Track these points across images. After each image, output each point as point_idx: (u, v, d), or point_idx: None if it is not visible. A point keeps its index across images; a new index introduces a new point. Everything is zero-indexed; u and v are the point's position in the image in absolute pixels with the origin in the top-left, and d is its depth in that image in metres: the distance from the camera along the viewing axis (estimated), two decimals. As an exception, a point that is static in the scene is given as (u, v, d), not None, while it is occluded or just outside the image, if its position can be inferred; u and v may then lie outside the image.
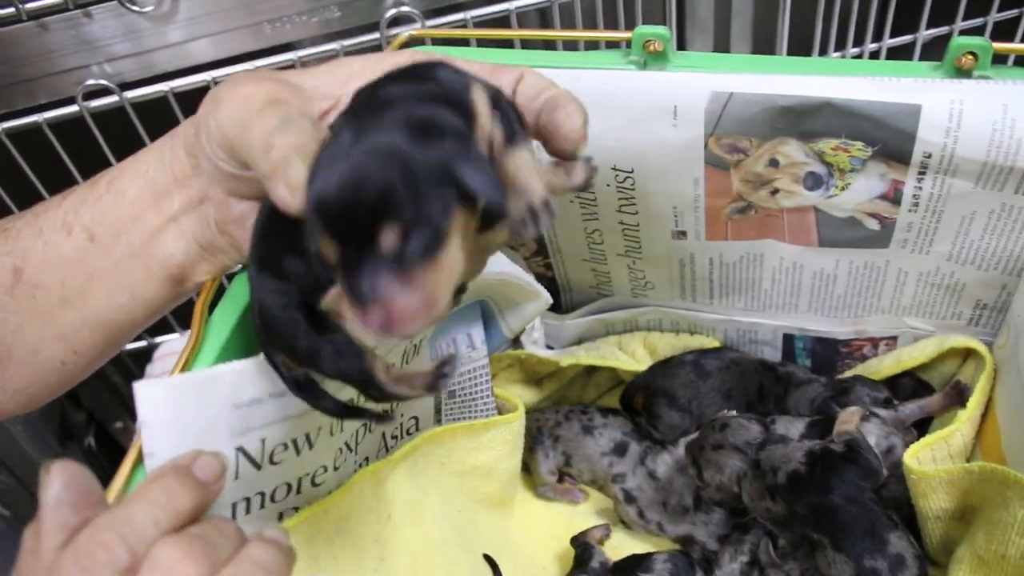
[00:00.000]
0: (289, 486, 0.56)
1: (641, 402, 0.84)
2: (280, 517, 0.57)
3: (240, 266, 0.55)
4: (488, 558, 0.75)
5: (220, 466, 0.44)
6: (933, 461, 0.67)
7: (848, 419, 0.72)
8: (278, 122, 0.41)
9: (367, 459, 0.65)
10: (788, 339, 0.85)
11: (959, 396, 0.72)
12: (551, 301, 0.79)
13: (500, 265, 0.71)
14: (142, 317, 0.55)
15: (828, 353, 0.84)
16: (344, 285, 0.35)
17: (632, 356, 0.87)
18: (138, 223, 0.51)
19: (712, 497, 0.73)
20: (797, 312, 0.82)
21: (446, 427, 0.70)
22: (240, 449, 0.51)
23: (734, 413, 0.79)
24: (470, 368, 0.74)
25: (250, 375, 0.50)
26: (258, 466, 0.52)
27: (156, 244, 0.51)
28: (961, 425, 0.68)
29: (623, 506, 0.81)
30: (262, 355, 0.50)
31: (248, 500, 0.53)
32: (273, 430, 0.52)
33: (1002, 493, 0.59)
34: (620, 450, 0.82)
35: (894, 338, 0.81)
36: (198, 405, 0.48)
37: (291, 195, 0.39)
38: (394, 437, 0.69)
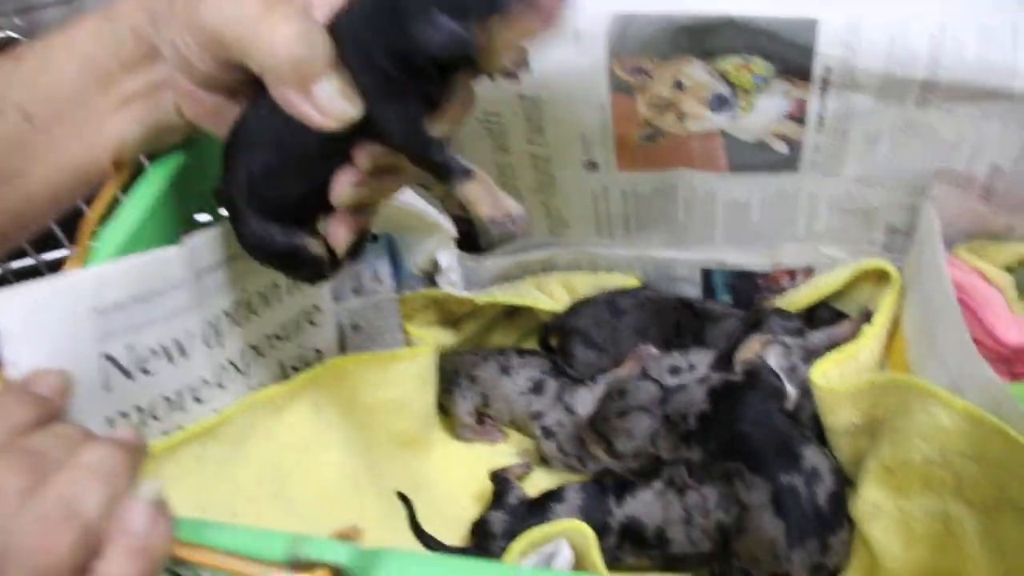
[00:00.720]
0: (169, 401, 0.54)
1: (557, 342, 0.83)
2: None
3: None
4: (402, 496, 0.74)
5: (63, 382, 0.42)
6: (841, 378, 0.67)
7: (751, 347, 0.71)
8: (296, 32, 0.42)
9: (262, 385, 0.64)
10: (707, 275, 0.84)
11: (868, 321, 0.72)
12: (454, 233, 0.78)
13: (403, 194, 0.70)
14: (82, 191, 0.54)
15: (747, 287, 0.84)
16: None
17: (551, 296, 0.86)
18: (80, 104, 0.50)
19: (630, 466, 0.72)
20: (713, 245, 0.81)
21: (350, 356, 0.69)
22: (107, 356, 0.49)
23: (652, 349, 0.79)
24: (376, 301, 0.73)
25: (112, 278, 0.48)
26: (129, 375, 0.51)
27: (102, 127, 0.51)
28: (868, 341, 0.68)
29: (543, 442, 0.80)
30: (123, 258, 0.49)
31: (126, 415, 0.52)
32: (140, 336, 0.51)
33: (905, 400, 0.59)
34: (538, 388, 0.81)
35: (811, 269, 0.81)
36: (59, 311, 0.46)
37: (320, 115, 0.42)
38: (294, 368, 0.67)
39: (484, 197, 0.44)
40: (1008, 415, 0.52)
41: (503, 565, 0.34)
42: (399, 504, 0.73)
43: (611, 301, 0.82)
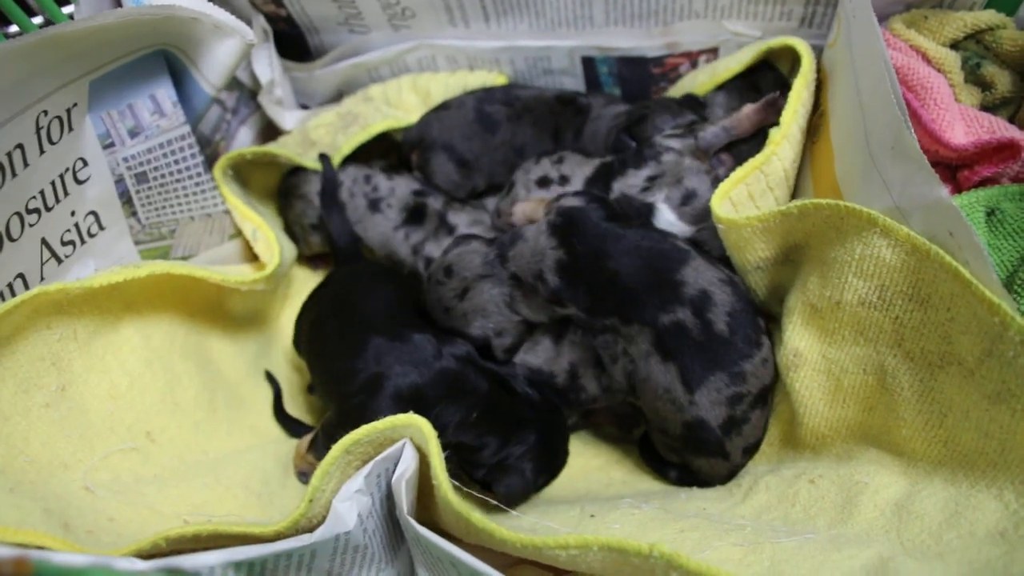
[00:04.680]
0: None
1: (417, 160, 0.69)
2: None
3: None
4: (270, 376, 0.63)
5: None
6: (750, 198, 0.54)
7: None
8: None
9: (22, 276, 0.49)
10: (589, 64, 0.69)
11: (777, 111, 0.57)
12: (252, 38, 0.60)
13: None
14: None
15: (639, 76, 0.69)
16: None
17: (402, 107, 0.70)
18: None
19: (504, 345, 0.60)
20: (593, 27, 0.65)
21: (175, 268, 0.54)
22: None
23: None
24: (161, 141, 0.56)
25: None
26: None
27: None
28: (776, 147, 0.54)
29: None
30: None
31: None
32: None
33: (836, 227, 0.47)
34: (416, 216, 0.67)
35: (715, 50, 0.67)
36: None
37: None
38: (67, 243, 0.52)
39: None
40: (960, 245, 0.41)
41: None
42: (226, 383, 0.60)
43: (479, 109, 0.67)
